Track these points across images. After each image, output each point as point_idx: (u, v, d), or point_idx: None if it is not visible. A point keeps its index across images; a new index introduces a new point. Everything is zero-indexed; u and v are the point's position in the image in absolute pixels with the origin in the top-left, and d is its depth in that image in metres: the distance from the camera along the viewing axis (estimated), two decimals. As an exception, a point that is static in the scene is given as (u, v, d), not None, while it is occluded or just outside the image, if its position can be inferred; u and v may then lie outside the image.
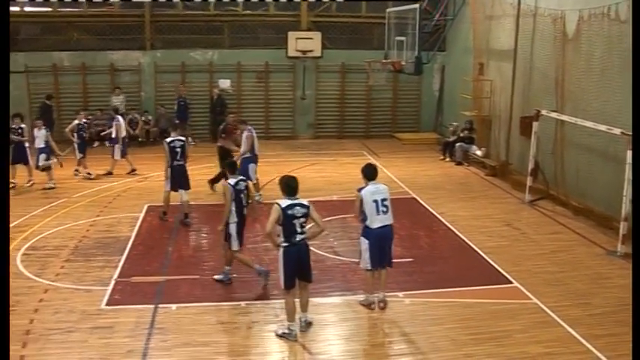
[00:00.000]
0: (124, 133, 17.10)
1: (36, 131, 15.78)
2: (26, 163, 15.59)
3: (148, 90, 21.83)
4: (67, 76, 21.31)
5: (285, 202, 7.95)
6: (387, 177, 16.52)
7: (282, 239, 8.02)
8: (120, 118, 17.19)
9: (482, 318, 8.74)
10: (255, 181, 14.12)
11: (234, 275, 10.10)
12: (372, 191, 8.75)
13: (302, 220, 8.01)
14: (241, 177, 10.08)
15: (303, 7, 21.94)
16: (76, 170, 16.81)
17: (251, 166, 13.89)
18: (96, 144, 20.53)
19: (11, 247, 11.23)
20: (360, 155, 19.92)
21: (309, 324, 8.40)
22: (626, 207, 11.02)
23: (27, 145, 15.54)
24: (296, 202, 7.99)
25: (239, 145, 14.00)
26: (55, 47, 21.24)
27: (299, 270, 8.17)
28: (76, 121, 16.78)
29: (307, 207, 8.06)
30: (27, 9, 21.03)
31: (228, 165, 10.28)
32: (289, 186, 8.07)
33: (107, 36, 21.56)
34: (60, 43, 21.30)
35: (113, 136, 16.89)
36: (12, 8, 20.63)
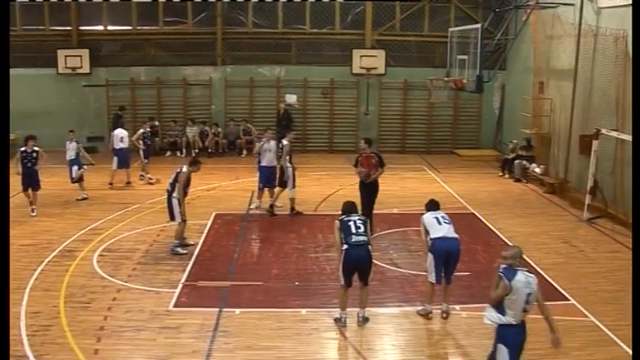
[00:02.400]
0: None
1: (67, 143, 15.61)
2: (35, 189, 14.33)
3: (217, 103, 22.83)
4: (143, 90, 22.60)
5: (343, 217, 9.02)
6: (446, 192, 16.88)
7: (343, 242, 8.77)
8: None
9: (539, 334, 8.43)
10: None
11: (297, 283, 10.60)
12: (432, 213, 9.46)
13: (359, 222, 8.86)
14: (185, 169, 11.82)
15: (368, 25, 22.50)
16: (141, 175, 17.84)
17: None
18: (168, 153, 21.77)
19: (88, 248, 12.02)
20: (421, 170, 20.27)
21: (365, 319, 9.00)
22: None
23: (38, 168, 14.31)
24: (353, 217, 9.02)
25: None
26: (133, 63, 22.54)
27: (355, 271, 8.87)
28: (141, 130, 17.90)
29: (365, 219, 9.09)
30: (109, 27, 22.36)
31: (190, 161, 12.19)
32: (346, 206, 9.29)
33: (181, 52, 22.72)
34: (138, 59, 22.59)
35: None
36: (96, 27, 22.14)
